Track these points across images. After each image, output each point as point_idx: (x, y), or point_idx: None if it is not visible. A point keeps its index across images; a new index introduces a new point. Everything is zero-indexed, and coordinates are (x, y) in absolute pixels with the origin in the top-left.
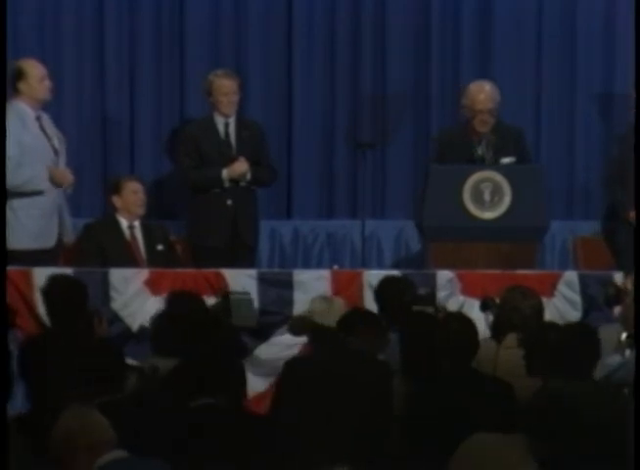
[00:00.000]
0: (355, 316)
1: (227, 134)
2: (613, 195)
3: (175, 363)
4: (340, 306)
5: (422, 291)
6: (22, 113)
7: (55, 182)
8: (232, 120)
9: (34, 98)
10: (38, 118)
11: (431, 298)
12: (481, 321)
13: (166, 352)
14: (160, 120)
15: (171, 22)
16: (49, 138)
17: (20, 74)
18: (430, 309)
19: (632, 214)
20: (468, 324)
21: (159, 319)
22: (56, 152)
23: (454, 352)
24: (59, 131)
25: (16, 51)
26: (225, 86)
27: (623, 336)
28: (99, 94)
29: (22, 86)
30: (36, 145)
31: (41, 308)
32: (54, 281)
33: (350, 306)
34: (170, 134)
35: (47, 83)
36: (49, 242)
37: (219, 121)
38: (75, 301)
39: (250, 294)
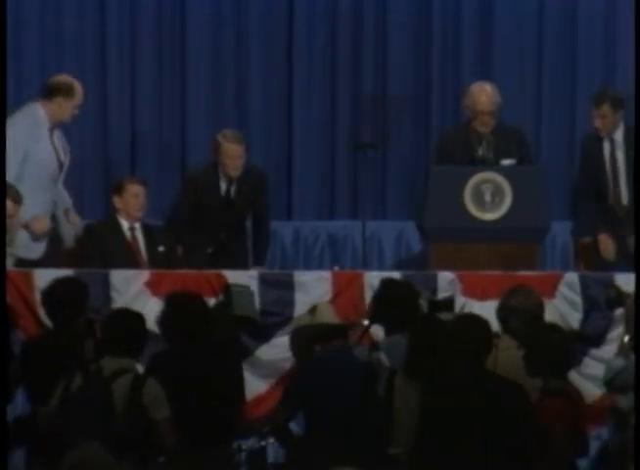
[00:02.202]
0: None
1: (228, 192)
2: (584, 209)
3: (124, 364)
4: (323, 312)
5: (440, 296)
6: (38, 120)
7: (30, 229)
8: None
9: (58, 116)
10: (51, 130)
11: (449, 303)
12: None
13: (117, 353)
14: (160, 120)
15: (172, 22)
16: (57, 151)
17: (68, 89)
18: (449, 316)
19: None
20: (482, 325)
21: (111, 320)
22: (61, 166)
23: (467, 354)
24: (67, 145)
25: (16, 51)
26: (232, 150)
27: (626, 338)
28: (100, 93)
29: (57, 99)
30: (42, 156)
31: (42, 310)
32: (56, 281)
33: (339, 314)
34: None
35: (75, 111)
36: (34, 254)
37: (223, 181)
38: (76, 301)
39: (249, 287)
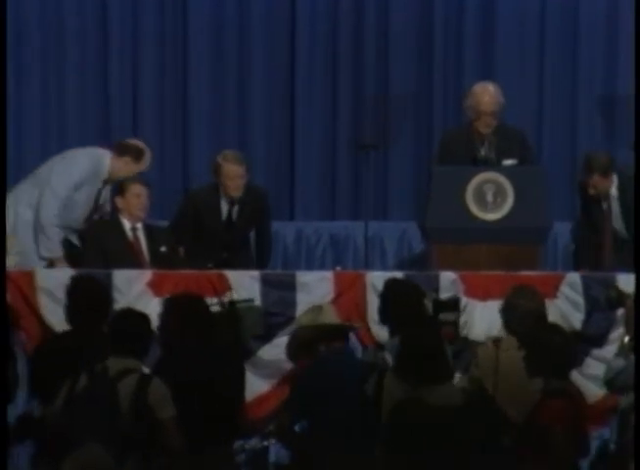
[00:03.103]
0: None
1: (230, 214)
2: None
3: (129, 364)
4: (328, 313)
5: (443, 296)
6: (99, 170)
7: None
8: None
9: (118, 173)
10: (105, 183)
11: (454, 303)
12: (484, 323)
13: (122, 353)
14: (163, 123)
15: (174, 21)
16: (96, 206)
17: (139, 153)
18: (453, 317)
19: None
20: None
21: (116, 320)
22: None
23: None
24: (107, 203)
25: (18, 52)
26: (232, 171)
27: (626, 339)
28: (102, 94)
29: (126, 158)
30: (79, 202)
31: (44, 309)
32: (77, 281)
33: (341, 314)
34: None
35: (141, 167)
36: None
37: (224, 201)
38: (100, 302)
39: (254, 300)
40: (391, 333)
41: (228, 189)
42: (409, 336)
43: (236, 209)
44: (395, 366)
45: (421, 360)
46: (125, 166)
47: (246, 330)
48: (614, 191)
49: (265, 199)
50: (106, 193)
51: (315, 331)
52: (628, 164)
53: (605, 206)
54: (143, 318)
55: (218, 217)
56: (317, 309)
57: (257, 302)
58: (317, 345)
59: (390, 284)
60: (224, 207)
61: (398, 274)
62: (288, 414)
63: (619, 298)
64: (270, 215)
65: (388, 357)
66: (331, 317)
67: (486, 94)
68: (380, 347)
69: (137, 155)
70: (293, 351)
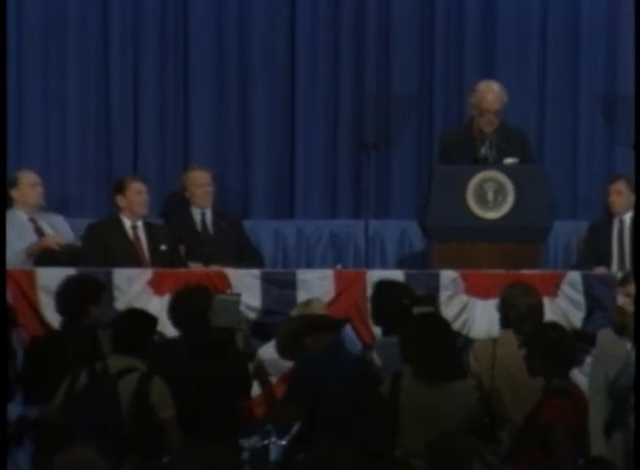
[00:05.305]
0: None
1: (204, 224)
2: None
3: (129, 362)
4: (316, 306)
5: (421, 293)
6: (17, 224)
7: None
8: (208, 212)
9: (24, 203)
10: (32, 220)
11: (430, 300)
12: (484, 322)
13: (123, 351)
14: (164, 121)
15: (175, 20)
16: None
17: (14, 182)
18: (429, 309)
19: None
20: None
21: (118, 319)
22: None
23: None
24: (60, 230)
25: (19, 53)
26: (199, 178)
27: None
28: (103, 94)
29: (13, 191)
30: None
31: (45, 308)
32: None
33: (342, 310)
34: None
35: (35, 189)
36: None
37: (196, 212)
38: (92, 298)
39: (239, 296)
40: (383, 333)
41: (196, 197)
42: (422, 334)
43: (209, 218)
44: (413, 365)
45: (438, 357)
46: (18, 195)
47: (217, 321)
48: (627, 217)
49: (237, 217)
50: (49, 224)
51: (300, 323)
52: None
53: (616, 227)
54: (144, 317)
55: (191, 228)
56: (305, 303)
57: (257, 295)
58: (303, 337)
59: (376, 285)
60: (197, 216)
61: (398, 273)
62: (290, 410)
63: (623, 319)
64: (247, 236)
65: (375, 357)
66: (317, 309)
67: (490, 92)
68: (371, 346)
69: (14, 184)
70: (281, 345)
